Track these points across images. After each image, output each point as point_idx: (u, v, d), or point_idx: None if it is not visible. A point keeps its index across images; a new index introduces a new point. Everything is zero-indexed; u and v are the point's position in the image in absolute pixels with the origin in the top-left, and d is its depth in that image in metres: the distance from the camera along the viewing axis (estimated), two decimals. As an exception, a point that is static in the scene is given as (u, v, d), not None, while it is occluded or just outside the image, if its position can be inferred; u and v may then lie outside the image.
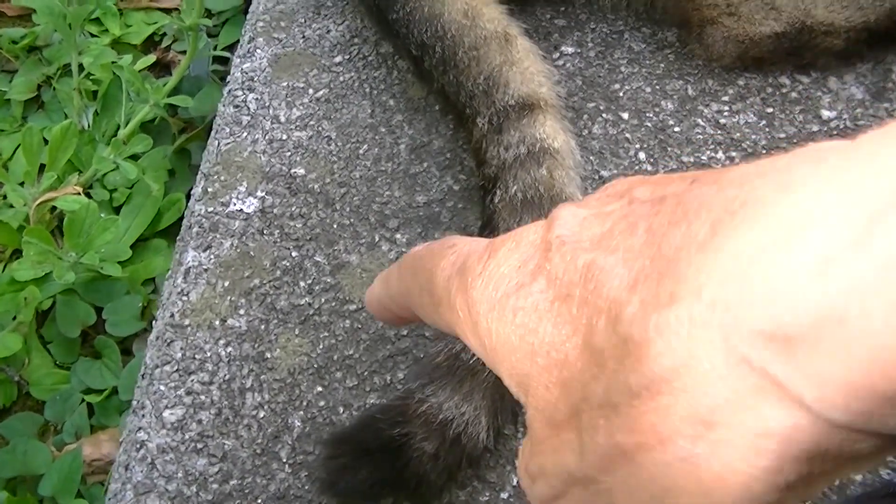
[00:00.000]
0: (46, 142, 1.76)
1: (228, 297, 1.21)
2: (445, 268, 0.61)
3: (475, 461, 1.06)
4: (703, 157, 1.23)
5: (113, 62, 1.90)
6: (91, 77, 1.93)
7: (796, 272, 0.38)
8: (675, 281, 0.43)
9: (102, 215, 1.64)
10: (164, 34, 2.10)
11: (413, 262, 0.67)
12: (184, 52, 2.00)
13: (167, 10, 2.12)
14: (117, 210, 1.78)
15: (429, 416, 1.02)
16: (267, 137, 1.33)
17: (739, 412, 0.41)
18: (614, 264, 0.48)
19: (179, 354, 1.18)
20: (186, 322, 1.20)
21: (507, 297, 0.54)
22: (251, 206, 1.28)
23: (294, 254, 1.23)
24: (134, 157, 1.77)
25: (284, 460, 1.10)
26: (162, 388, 1.16)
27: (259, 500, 1.08)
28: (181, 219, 1.42)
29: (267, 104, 1.37)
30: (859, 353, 0.37)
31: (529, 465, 0.54)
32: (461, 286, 0.57)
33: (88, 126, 1.89)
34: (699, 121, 1.27)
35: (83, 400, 1.60)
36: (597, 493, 0.49)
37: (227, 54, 1.94)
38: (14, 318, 1.60)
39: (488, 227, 1.13)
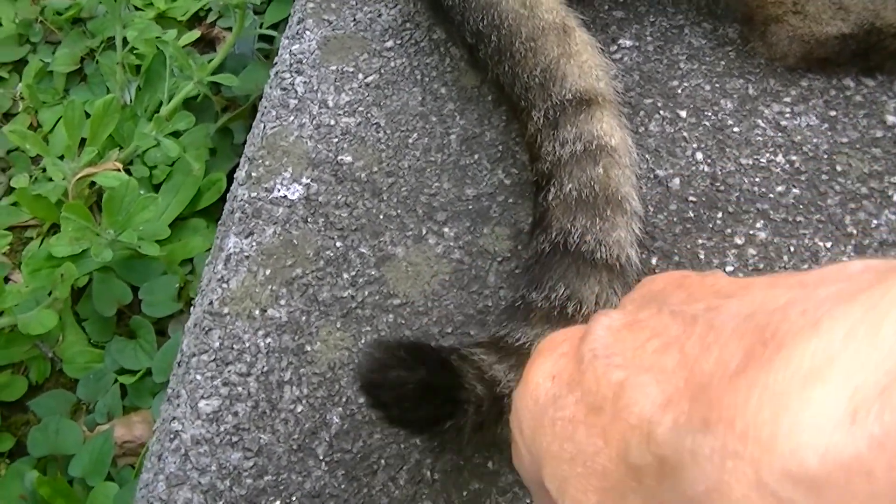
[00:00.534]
0: (88, 115, 1.74)
1: (269, 287, 1.18)
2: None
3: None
4: (763, 160, 1.19)
5: (157, 37, 1.88)
6: (135, 51, 1.91)
7: (825, 418, 0.41)
8: (708, 407, 0.46)
9: (142, 192, 1.62)
10: (210, 10, 2.07)
11: None
12: (229, 29, 1.98)
13: (214, -14, 2.09)
14: (157, 188, 1.77)
15: (481, 367, 0.98)
16: (314, 122, 1.30)
17: None
18: (647, 383, 0.52)
19: (217, 343, 1.16)
20: (225, 310, 1.18)
21: (545, 408, 0.59)
22: (296, 192, 1.25)
23: (338, 244, 1.20)
24: (175, 135, 1.76)
25: (321, 457, 1.08)
26: (198, 377, 1.14)
27: (294, 498, 1.06)
28: (221, 199, 1.40)
29: (315, 88, 1.34)
30: (886, 501, 0.39)
31: None
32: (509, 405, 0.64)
33: (131, 101, 1.87)
34: (759, 122, 1.23)
35: (116, 380, 1.59)
36: None
37: (272, 32, 1.92)
38: (50, 294, 1.59)
39: (540, 226, 1.10)
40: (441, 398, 0.93)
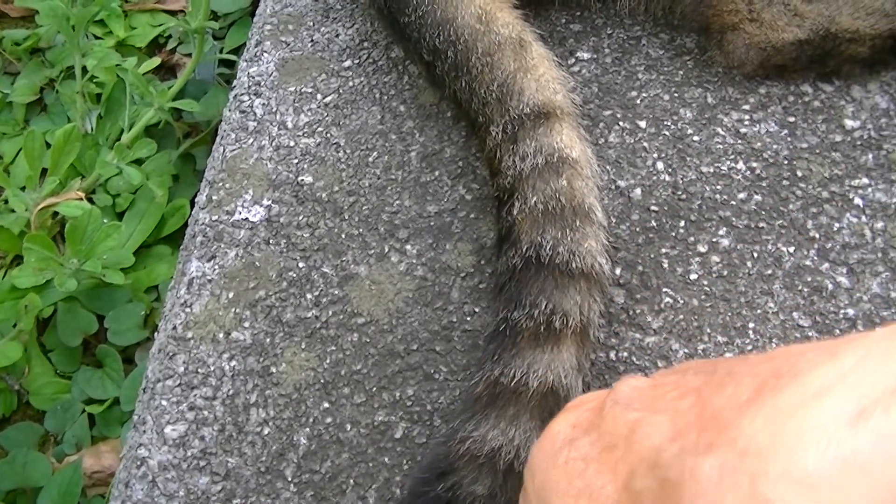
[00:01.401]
0: (49, 146, 1.73)
1: (233, 309, 1.18)
2: None
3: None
4: (724, 168, 1.19)
5: (117, 65, 1.87)
6: (95, 80, 1.90)
7: (830, 420, 0.43)
8: (715, 433, 0.49)
9: (105, 221, 1.61)
10: (170, 36, 2.07)
11: None
12: (189, 55, 1.97)
13: (172, 13, 2.09)
14: (120, 216, 1.76)
15: (473, 453, 0.97)
16: (274, 144, 1.30)
17: None
18: (660, 422, 0.55)
19: (182, 368, 1.15)
20: (189, 335, 1.17)
21: (560, 450, 0.62)
22: (257, 214, 1.24)
23: (301, 265, 1.20)
24: (138, 162, 1.75)
25: (289, 479, 1.07)
26: (164, 402, 1.13)
27: (263, 521, 1.05)
28: (185, 225, 1.39)
29: (274, 110, 1.34)
30: (879, 498, 0.41)
31: None
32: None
33: (92, 130, 1.86)
34: (719, 130, 1.23)
35: (84, 410, 1.58)
36: None
37: (233, 57, 1.92)
38: (14, 325, 1.58)
39: (508, 241, 1.09)
40: None
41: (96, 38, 2.01)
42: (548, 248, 1.05)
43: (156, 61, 1.93)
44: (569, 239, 1.06)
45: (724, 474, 0.46)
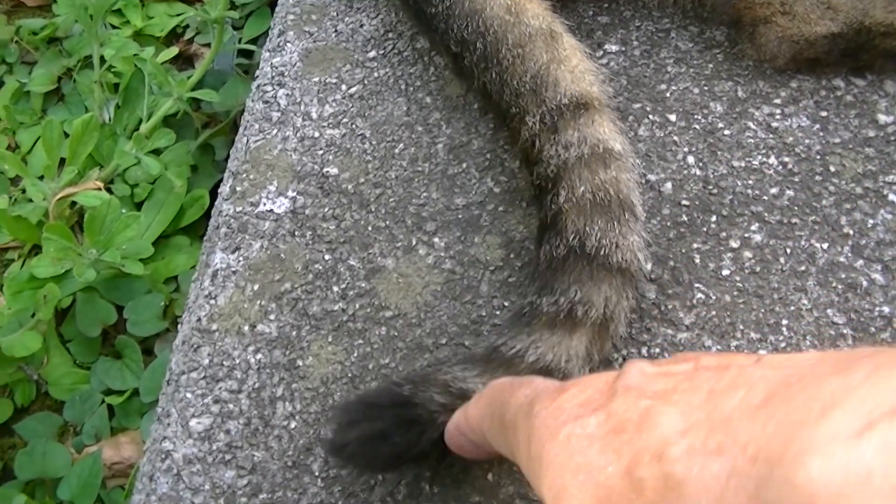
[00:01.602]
0: (67, 135, 1.72)
1: (258, 302, 1.17)
2: (519, 398, 0.71)
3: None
4: (755, 162, 1.18)
5: (135, 54, 1.86)
6: (112, 70, 1.89)
7: (839, 432, 0.44)
8: (725, 435, 0.51)
9: (124, 211, 1.60)
10: (188, 26, 2.06)
11: (492, 392, 0.79)
12: (208, 45, 1.96)
13: (190, 2, 2.08)
14: (139, 206, 1.75)
15: (448, 383, 0.99)
16: (298, 135, 1.29)
17: None
18: (672, 414, 0.56)
19: (207, 361, 1.14)
20: (214, 327, 1.16)
21: (563, 424, 0.62)
22: (282, 206, 1.23)
23: (327, 257, 1.19)
24: (156, 152, 1.74)
25: (316, 474, 1.06)
26: (188, 395, 1.12)
27: (290, 516, 1.04)
28: (204, 215, 1.39)
29: (298, 100, 1.33)
30: None
31: None
32: (527, 414, 0.67)
33: (110, 120, 1.85)
34: (750, 124, 1.22)
35: (103, 401, 1.57)
36: None
37: (252, 47, 1.90)
38: (33, 315, 1.57)
39: (553, 229, 1.08)
40: (403, 437, 0.97)
41: (114, 27, 2.00)
42: (594, 237, 1.05)
43: (174, 51, 1.92)
44: (616, 231, 1.05)
45: (732, 478, 0.48)
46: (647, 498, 0.53)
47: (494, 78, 1.17)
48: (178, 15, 2.04)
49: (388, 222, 1.20)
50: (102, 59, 1.86)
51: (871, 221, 1.13)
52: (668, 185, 1.18)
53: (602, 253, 1.04)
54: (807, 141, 1.20)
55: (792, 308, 1.09)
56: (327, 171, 1.25)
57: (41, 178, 1.72)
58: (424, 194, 1.22)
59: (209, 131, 1.82)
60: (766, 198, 1.16)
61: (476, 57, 1.19)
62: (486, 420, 0.78)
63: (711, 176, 1.18)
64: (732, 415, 0.52)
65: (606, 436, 0.58)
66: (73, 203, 1.70)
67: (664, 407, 0.56)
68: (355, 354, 1.12)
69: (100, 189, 1.68)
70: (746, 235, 1.13)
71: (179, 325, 1.20)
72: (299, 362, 1.12)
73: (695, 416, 0.54)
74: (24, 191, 1.75)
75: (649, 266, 1.12)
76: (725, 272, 1.11)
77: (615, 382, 0.63)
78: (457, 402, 0.94)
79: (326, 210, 1.22)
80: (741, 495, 0.47)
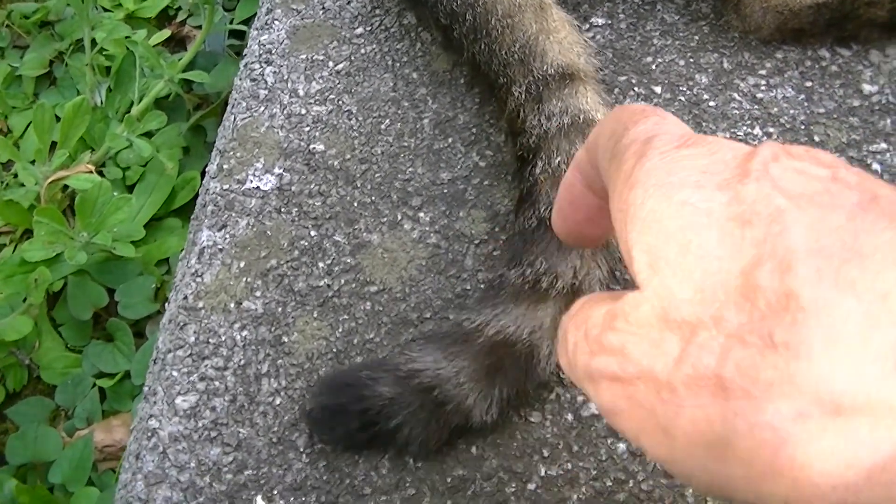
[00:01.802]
0: (58, 119, 1.72)
1: (244, 279, 1.17)
2: (638, 129, 0.60)
3: (465, 430, 1.03)
4: (740, 133, 1.18)
5: (126, 37, 1.86)
6: (104, 52, 1.89)
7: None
8: (861, 272, 0.44)
9: (115, 194, 1.60)
10: (179, 8, 2.06)
11: (619, 111, 0.65)
12: (199, 27, 1.96)
13: (181, -16, 2.07)
14: (130, 189, 1.75)
15: (397, 366, 1.01)
16: (285, 112, 1.29)
17: (861, 415, 0.42)
18: (807, 223, 0.47)
19: (193, 338, 1.14)
20: (200, 304, 1.16)
21: (680, 188, 0.52)
22: (268, 183, 1.23)
23: (313, 233, 1.18)
24: (148, 135, 1.74)
25: (302, 449, 1.06)
26: (174, 373, 1.12)
27: (275, 492, 1.04)
28: (196, 198, 1.38)
29: (285, 78, 1.32)
30: None
31: (609, 335, 0.52)
32: (638, 152, 0.56)
33: (101, 103, 1.85)
34: (735, 95, 1.21)
35: (95, 384, 1.57)
36: (666, 403, 0.48)
37: (243, 28, 1.90)
38: (24, 299, 1.57)
39: (528, 200, 1.08)
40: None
41: (105, 10, 2.00)
42: None
43: (165, 33, 1.91)
44: None
45: (865, 320, 0.43)
46: (756, 308, 0.46)
47: (484, 49, 1.17)
48: (169, -3, 2.04)
49: (373, 198, 1.20)
50: (94, 42, 1.86)
51: (856, 190, 1.13)
52: (654, 157, 1.18)
53: None
54: (792, 111, 1.19)
55: (777, 278, 1.08)
56: (314, 148, 1.25)
57: (33, 162, 1.72)
58: (410, 169, 1.22)
59: (200, 113, 1.82)
60: (751, 168, 1.15)
61: (465, 28, 1.19)
62: (601, 137, 0.64)
63: (697, 147, 1.17)
64: (875, 254, 0.45)
65: (729, 222, 0.50)
66: (65, 187, 1.70)
67: (799, 213, 0.48)
68: (340, 330, 1.12)
69: (91, 172, 1.68)
70: (732, 206, 1.13)
71: (167, 305, 1.20)
72: (285, 338, 1.12)
73: (830, 239, 0.47)
74: (15, 175, 1.75)
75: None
76: (711, 243, 1.11)
77: (748, 162, 0.53)
78: (409, 387, 0.99)
79: (312, 186, 1.22)
80: (869, 348, 0.42)
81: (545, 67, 1.13)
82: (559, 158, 1.07)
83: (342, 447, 1.04)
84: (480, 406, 0.99)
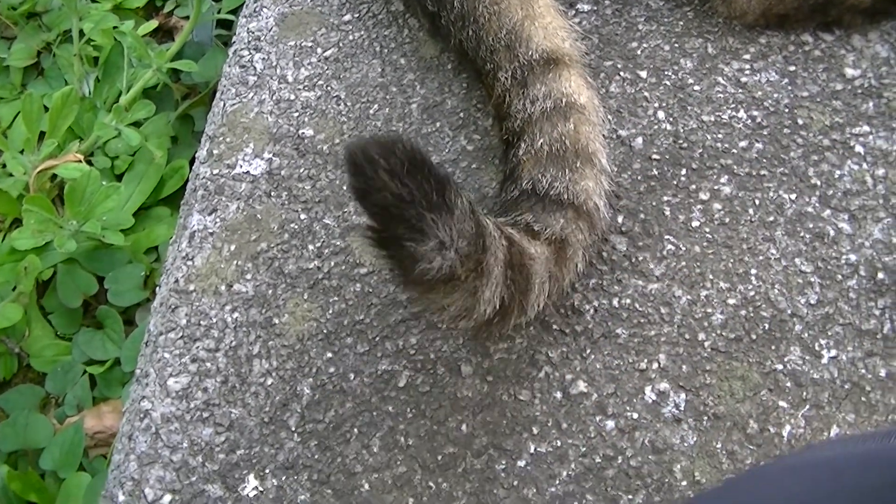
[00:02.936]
0: (46, 109, 1.72)
1: (235, 262, 1.18)
2: None
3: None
4: (725, 117, 1.19)
5: (114, 27, 1.86)
6: (92, 43, 1.89)
7: None
8: None
9: (104, 183, 1.60)
10: (167, -1, 2.06)
11: None
12: (187, 18, 1.96)
13: (170, -25, 2.08)
14: (119, 178, 1.75)
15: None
16: (274, 98, 1.30)
17: None
18: None
19: (184, 321, 1.15)
20: (191, 287, 1.17)
21: None
22: (258, 167, 1.24)
23: (302, 216, 1.20)
24: (136, 124, 1.74)
25: (293, 429, 1.07)
26: (166, 355, 1.13)
27: (267, 470, 1.05)
28: (184, 186, 1.39)
29: (274, 64, 1.33)
30: None
31: None
32: None
33: (89, 93, 1.85)
34: (719, 79, 1.23)
35: (85, 371, 1.57)
36: None
37: (231, 17, 1.90)
38: (14, 288, 1.58)
39: (511, 180, 1.11)
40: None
41: (93, 1, 1.99)
42: (545, 182, 1.06)
43: (153, 24, 1.91)
44: (567, 178, 1.07)
45: None
46: None
47: (471, 35, 1.18)
48: (157, -13, 2.05)
49: (362, 182, 1.21)
50: (82, 33, 1.86)
51: (837, 172, 1.14)
52: (639, 139, 1.19)
53: (553, 192, 1.06)
54: (775, 95, 1.20)
55: (760, 258, 1.10)
56: (303, 133, 1.26)
57: (21, 151, 1.72)
58: (398, 154, 1.23)
59: (188, 102, 1.82)
60: (735, 151, 1.17)
61: (454, 15, 1.20)
62: None
63: (681, 130, 1.19)
64: None
65: None
66: (54, 176, 1.70)
67: None
68: (330, 311, 1.13)
69: (80, 161, 1.68)
70: (716, 188, 1.14)
71: (157, 289, 1.21)
72: (275, 320, 1.13)
73: None
74: (4, 165, 1.75)
75: (620, 219, 1.13)
76: (695, 224, 1.12)
77: None
78: None
79: (302, 171, 1.23)
80: None
81: (530, 53, 1.14)
82: (542, 140, 1.09)
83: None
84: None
